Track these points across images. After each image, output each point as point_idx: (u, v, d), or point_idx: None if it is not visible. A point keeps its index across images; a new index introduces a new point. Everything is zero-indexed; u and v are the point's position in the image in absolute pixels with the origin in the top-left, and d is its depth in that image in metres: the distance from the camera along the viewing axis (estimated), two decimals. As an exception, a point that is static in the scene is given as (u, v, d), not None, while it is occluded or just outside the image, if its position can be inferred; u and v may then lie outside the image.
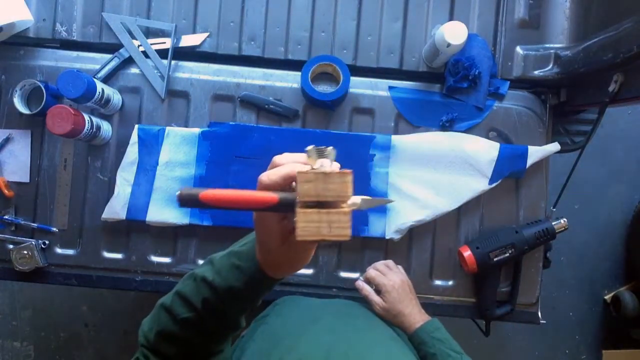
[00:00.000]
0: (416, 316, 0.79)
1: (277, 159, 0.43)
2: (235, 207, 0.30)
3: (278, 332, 0.64)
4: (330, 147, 0.43)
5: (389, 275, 0.84)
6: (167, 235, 0.94)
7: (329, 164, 0.30)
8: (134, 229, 0.93)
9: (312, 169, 0.29)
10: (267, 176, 0.41)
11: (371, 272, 0.86)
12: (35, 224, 0.93)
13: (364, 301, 0.86)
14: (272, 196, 0.30)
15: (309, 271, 0.94)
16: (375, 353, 0.57)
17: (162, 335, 0.51)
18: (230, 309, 0.49)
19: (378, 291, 0.84)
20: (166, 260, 0.94)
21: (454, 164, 0.92)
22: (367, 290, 0.85)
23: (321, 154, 0.43)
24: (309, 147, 0.41)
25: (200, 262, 0.93)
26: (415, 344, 0.77)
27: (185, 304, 0.49)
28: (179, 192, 0.31)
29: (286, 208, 0.30)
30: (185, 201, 0.31)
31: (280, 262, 0.46)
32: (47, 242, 0.93)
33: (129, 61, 0.94)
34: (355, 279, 0.94)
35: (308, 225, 0.28)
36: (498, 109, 0.95)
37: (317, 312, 0.71)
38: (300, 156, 0.43)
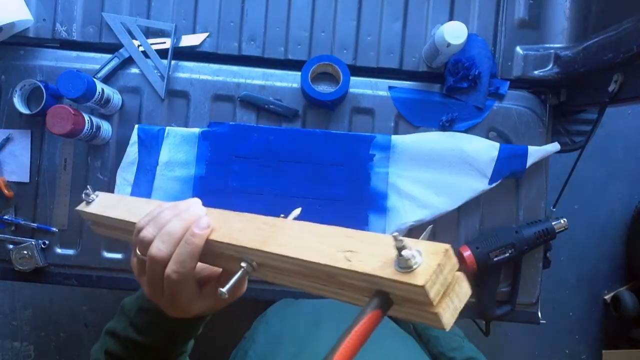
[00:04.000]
0: None
1: (156, 243, 0.35)
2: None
3: (281, 335, 0.64)
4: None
5: None
6: (167, 235, 0.94)
7: (416, 252, 0.28)
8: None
9: (402, 259, 0.28)
10: (176, 272, 0.33)
11: None
12: (35, 224, 0.93)
13: None
14: (377, 312, 0.29)
15: (309, 271, 0.94)
16: (384, 347, 0.57)
17: None
18: (169, 354, 0.46)
19: None
20: (166, 260, 0.94)
21: (454, 164, 0.92)
22: None
23: None
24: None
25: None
26: (418, 330, 0.77)
27: None
28: None
29: (388, 308, 0.30)
30: None
31: (203, 313, 0.41)
32: (47, 242, 0.93)
33: (129, 61, 0.94)
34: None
35: (448, 311, 0.29)
36: (498, 109, 0.95)
37: (320, 312, 0.71)
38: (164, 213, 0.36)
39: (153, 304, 0.42)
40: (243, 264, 0.34)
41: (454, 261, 0.29)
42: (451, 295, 0.29)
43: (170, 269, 0.34)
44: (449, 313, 0.29)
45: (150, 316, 0.42)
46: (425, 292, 0.27)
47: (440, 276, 0.28)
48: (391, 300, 0.29)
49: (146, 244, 0.36)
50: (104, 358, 0.46)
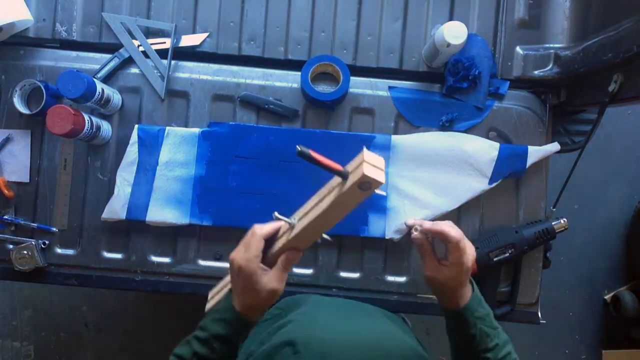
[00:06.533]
0: (465, 296, 0.68)
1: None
2: (323, 167, 0.53)
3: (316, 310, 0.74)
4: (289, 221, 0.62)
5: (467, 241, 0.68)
6: (167, 235, 0.94)
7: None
8: (134, 229, 0.93)
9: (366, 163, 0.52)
10: (259, 227, 0.62)
11: (443, 225, 0.68)
12: (35, 224, 0.93)
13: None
14: (339, 166, 0.54)
15: (309, 271, 0.94)
16: (377, 322, 0.67)
17: None
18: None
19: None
20: (166, 260, 0.94)
21: (454, 164, 0.92)
22: (428, 250, 0.70)
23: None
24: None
25: (201, 262, 0.94)
26: (457, 323, 0.69)
27: None
28: (299, 148, 0.51)
29: (343, 175, 0.54)
30: (302, 155, 0.52)
31: (262, 306, 0.63)
32: (47, 242, 0.93)
33: (129, 61, 0.94)
34: (355, 279, 0.94)
35: (370, 169, 0.52)
36: (498, 109, 0.95)
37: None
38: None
39: (224, 310, 0.62)
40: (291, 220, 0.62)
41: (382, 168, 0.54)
42: (375, 170, 0.53)
43: (256, 226, 0.63)
44: (370, 169, 0.52)
45: (219, 314, 0.63)
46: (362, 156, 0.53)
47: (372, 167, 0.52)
48: (347, 174, 0.54)
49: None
50: None
